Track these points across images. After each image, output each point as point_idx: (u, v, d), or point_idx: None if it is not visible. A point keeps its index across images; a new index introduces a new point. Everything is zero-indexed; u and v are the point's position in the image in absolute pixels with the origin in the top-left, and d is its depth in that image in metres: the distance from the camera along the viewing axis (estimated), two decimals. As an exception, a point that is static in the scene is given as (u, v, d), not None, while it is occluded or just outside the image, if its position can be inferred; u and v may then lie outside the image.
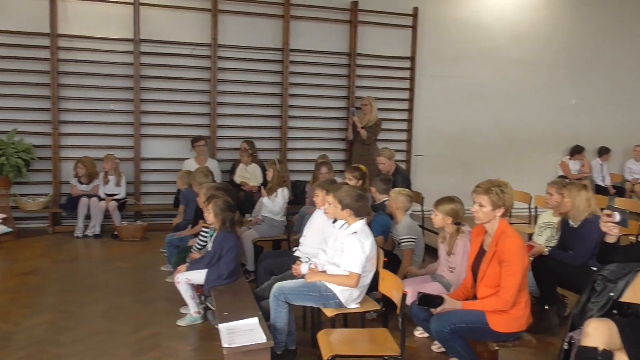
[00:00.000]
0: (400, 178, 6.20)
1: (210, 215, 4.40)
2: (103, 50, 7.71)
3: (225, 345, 3.17)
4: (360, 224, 3.67)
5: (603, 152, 10.09)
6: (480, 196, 3.39)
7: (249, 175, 7.61)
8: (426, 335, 4.21)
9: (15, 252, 6.43)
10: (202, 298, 4.56)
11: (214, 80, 8.06)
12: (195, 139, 7.71)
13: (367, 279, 3.66)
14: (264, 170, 7.75)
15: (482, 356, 3.45)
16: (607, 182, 9.97)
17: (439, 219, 4.01)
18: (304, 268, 4.01)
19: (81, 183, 7.38)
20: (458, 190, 9.17)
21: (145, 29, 7.79)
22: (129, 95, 7.85)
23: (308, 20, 8.45)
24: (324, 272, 3.77)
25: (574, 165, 9.89)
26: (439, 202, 4.05)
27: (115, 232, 7.22)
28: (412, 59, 8.95)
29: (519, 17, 9.58)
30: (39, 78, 7.53)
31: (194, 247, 4.97)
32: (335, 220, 4.12)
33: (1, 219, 6.61)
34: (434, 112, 9.25)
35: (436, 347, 4.06)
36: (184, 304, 4.66)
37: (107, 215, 7.32)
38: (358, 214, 3.67)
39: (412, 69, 8.96)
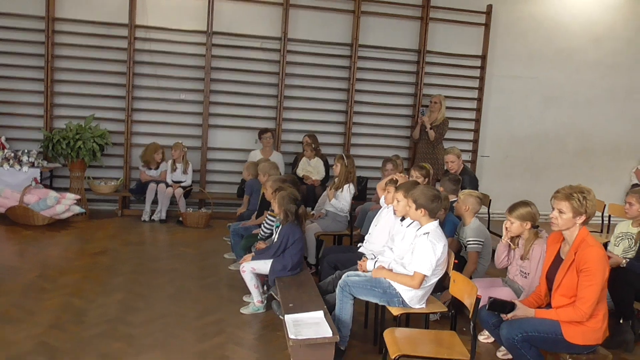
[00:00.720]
0: (468, 179, 6.06)
1: (276, 207, 4.45)
2: (177, 41, 7.93)
3: (291, 336, 3.19)
4: (433, 225, 3.61)
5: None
6: (561, 202, 3.26)
7: (311, 169, 7.66)
8: (490, 340, 4.12)
9: (88, 233, 6.71)
10: (265, 288, 4.63)
11: (282, 74, 8.14)
12: (262, 131, 7.82)
13: (433, 280, 3.61)
14: (326, 164, 7.78)
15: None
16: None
17: (516, 226, 3.89)
18: (369, 265, 4.00)
19: (149, 169, 7.61)
20: (524, 195, 8.99)
21: (218, 22, 7.95)
22: (199, 85, 8.04)
23: (378, 16, 8.39)
24: (391, 270, 3.74)
25: (650, 174, 9.41)
26: (514, 208, 3.93)
27: (180, 219, 7.42)
28: (483, 57, 8.73)
29: (598, 17, 9.18)
30: (117, 67, 7.83)
31: (260, 235, 5.05)
32: (403, 219, 4.08)
33: (75, 199, 6.94)
34: (503, 113, 9.01)
35: (502, 353, 3.96)
36: (246, 292, 4.75)
37: (172, 202, 7.54)
38: (432, 214, 3.62)
39: (482, 68, 8.75)
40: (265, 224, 5.06)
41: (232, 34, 8.03)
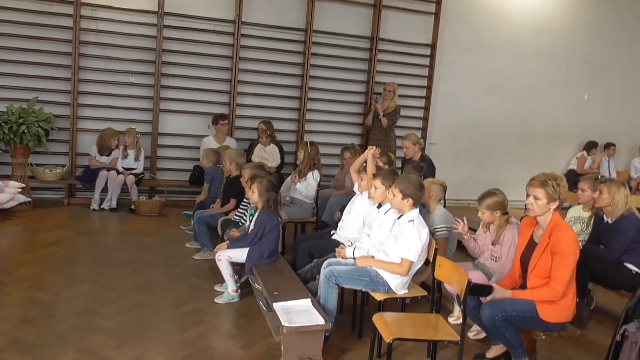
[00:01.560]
0: (427, 166, 6.29)
1: (254, 195, 4.48)
2: (126, 21, 7.67)
3: (285, 324, 3.26)
4: (415, 213, 3.76)
5: (607, 147, 10.28)
6: (536, 189, 3.49)
7: (267, 155, 7.66)
8: (481, 336, 4.20)
9: (36, 222, 6.45)
10: (237, 276, 4.66)
11: (236, 58, 8.06)
12: (218, 117, 7.73)
13: (418, 266, 3.77)
14: (282, 151, 7.82)
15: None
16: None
17: (487, 215, 4.11)
18: (348, 252, 4.11)
19: (101, 155, 7.38)
20: (470, 180, 9.44)
21: (170, 2, 7.75)
22: (149, 68, 7.83)
23: (333, 2, 8.46)
24: (372, 257, 3.87)
25: (589, 161, 10.07)
26: (482, 199, 4.15)
27: (132, 207, 7.25)
28: (433, 46, 9.01)
29: (540, 9, 9.67)
30: (61, 47, 7.48)
31: (241, 223, 5.06)
32: (380, 205, 4.22)
33: (19, 188, 6.63)
34: (451, 101, 9.35)
35: (473, 334, 4.19)
36: (217, 281, 4.77)
37: (123, 189, 7.35)
38: (416, 203, 3.77)
39: (432, 56, 9.03)
40: (237, 213, 5.07)
41: (184, 15, 7.86)
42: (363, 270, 3.79)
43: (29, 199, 6.84)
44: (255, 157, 7.60)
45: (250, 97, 8.31)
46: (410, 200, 3.74)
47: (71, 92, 7.53)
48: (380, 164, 5.38)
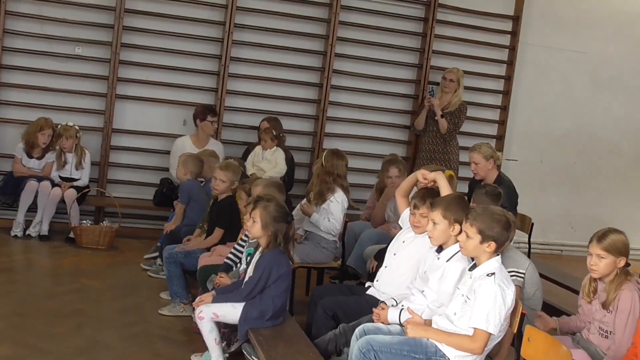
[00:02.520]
0: (506, 192, 6.25)
1: (255, 226, 4.48)
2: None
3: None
4: (497, 262, 3.74)
5: None
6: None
7: (265, 164, 7.62)
8: None
9: None
10: (225, 344, 4.66)
11: (229, 25, 8.17)
12: (207, 111, 7.77)
13: (496, 341, 3.74)
14: (291, 162, 7.85)
15: None
16: None
17: (607, 262, 4.08)
18: (392, 315, 4.09)
19: (30, 157, 7.45)
20: (563, 215, 9.42)
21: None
22: (104, 36, 8.00)
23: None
24: (430, 324, 3.85)
25: None
26: (603, 237, 4.12)
27: (71, 235, 7.32)
28: (515, 19, 9.08)
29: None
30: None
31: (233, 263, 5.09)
32: (440, 249, 4.21)
33: None
34: (538, 100, 9.37)
35: None
36: (194, 349, 4.77)
37: (59, 209, 7.41)
38: (499, 247, 3.75)
39: (514, 34, 9.10)
40: (232, 252, 5.09)
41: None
42: (416, 343, 3.76)
43: None
44: (250, 165, 7.57)
45: (247, 81, 8.41)
46: (493, 244, 3.72)
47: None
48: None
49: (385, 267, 4.70)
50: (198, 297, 4.68)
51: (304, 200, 6.12)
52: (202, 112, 7.80)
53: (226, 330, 4.64)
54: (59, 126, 7.51)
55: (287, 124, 8.21)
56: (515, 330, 3.77)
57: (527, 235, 6.76)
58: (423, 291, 4.19)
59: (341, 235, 6.03)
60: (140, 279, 6.41)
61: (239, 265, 5.08)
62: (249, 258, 4.76)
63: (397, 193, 5.01)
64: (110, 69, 7.96)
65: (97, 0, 7.90)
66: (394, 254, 4.68)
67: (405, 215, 4.82)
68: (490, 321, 3.58)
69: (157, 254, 6.69)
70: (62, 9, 7.80)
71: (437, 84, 8.45)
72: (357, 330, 3.99)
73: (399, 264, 4.61)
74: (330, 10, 8.45)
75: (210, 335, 4.47)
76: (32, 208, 7.33)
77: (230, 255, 5.15)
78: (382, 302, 4.36)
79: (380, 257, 5.12)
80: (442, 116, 8.07)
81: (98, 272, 6.51)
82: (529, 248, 6.75)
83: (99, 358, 4.67)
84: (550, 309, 5.17)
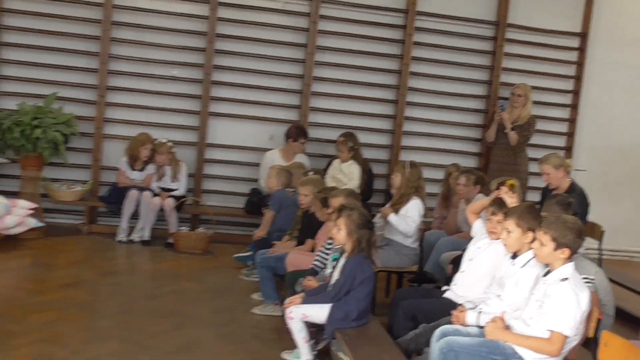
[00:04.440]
0: (578, 200, 6.10)
1: (341, 233, 4.49)
2: (169, -4, 8.01)
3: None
4: (571, 268, 3.67)
5: None
6: None
7: (342, 176, 7.64)
8: None
9: (49, 256, 6.74)
10: (314, 341, 4.67)
11: (312, 47, 8.22)
12: (299, 133, 7.80)
13: (573, 344, 3.65)
14: (369, 173, 7.83)
15: None
16: None
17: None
18: (471, 317, 4.04)
19: (133, 169, 7.64)
20: (630, 225, 9.09)
21: (229, -28, 8.05)
22: (198, 58, 8.12)
23: (442, -26, 8.54)
24: (507, 327, 3.79)
25: None
26: None
27: (170, 240, 7.45)
28: (582, 36, 8.86)
29: None
30: (86, 29, 7.88)
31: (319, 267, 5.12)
32: (515, 256, 4.14)
33: (31, 209, 6.95)
34: (606, 113, 9.11)
35: None
36: (284, 347, 4.79)
37: (159, 217, 7.57)
38: (573, 254, 3.69)
39: (581, 50, 8.89)
40: (319, 257, 5.11)
41: (245, -8, 8.15)
42: (494, 345, 3.71)
43: (42, 224, 7.14)
44: (329, 179, 7.61)
45: (328, 99, 8.44)
46: (567, 251, 3.65)
47: (98, 86, 7.88)
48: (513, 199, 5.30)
49: (462, 272, 4.67)
50: (288, 299, 4.72)
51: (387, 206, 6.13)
52: (295, 134, 7.84)
53: (314, 330, 4.65)
54: (155, 142, 7.69)
55: (366, 138, 8.21)
56: (591, 335, 3.68)
57: (598, 243, 6.56)
58: (499, 295, 4.13)
59: (419, 240, 6.01)
60: (234, 281, 6.49)
61: (324, 269, 5.10)
62: (334, 263, 4.78)
63: (469, 210, 5.04)
64: (203, 88, 8.10)
65: (190, 26, 8.07)
66: (470, 260, 4.65)
67: (476, 226, 4.82)
68: (565, 323, 3.52)
69: (244, 254, 6.77)
70: (160, 35, 8.00)
71: (507, 99, 8.31)
72: (437, 332, 3.97)
73: (475, 269, 4.57)
74: (405, 32, 8.42)
75: (299, 334, 4.51)
76: (135, 216, 7.51)
77: (317, 261, 5.17)
78: (461, 305, 4.33)
79: (456, 262, 5.07)
80: (511, 129, 7.94)
81: (195, 275, 6.62)
82: (600, 255, 6.55)
83: (197, 355, 4.73)
84: (624, 315, 5.03)
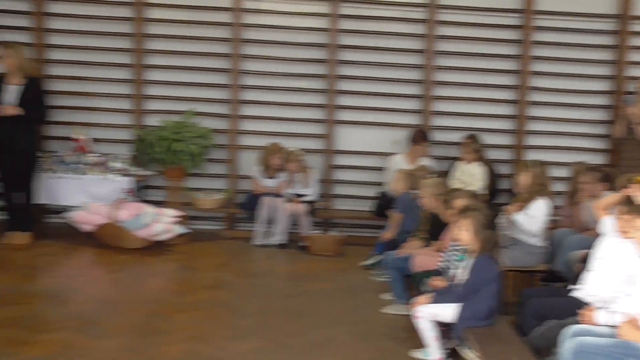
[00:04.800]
0: None
1: (466, 234, 4.44)
2: (293, 12, 8.18)
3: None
4: None
5: None
6: None
7: (467, 178, 7.56)
8: None
9: (193, 259, 7.05)
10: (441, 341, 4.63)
11: (430, 52, 8.17)
12: (420, 137, 7.80)
13: None
14: (493, 174, 7.69)
15: None
16: None
17: None
18: (602, 317, 3.89)
19: (266, 177, 7.85)
20: None
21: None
22: (322, 69, 8.26)
23: (562, -29, 8.26)
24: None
25: None
26: None
27: (304, 243, 7.60)
28: None
29: None
30: (219, 47, 8.19)
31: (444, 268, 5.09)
32: (646, 253, 3.95)
33: (176, 217, 7.28)
34: None
35: None
36: (413, 345, 4.78)
37: (293, 221, 7.72)
38: None
39: None
40: (444, 255, 5.08)
41: (365, 2, 8.20)
42: (629, 346, 3.54)
43: (187, 231, 7.47)
44: (453, 180, 7.55)
45: (449, 102, 8.34)
46: None
47: (231, 101, 8.16)
48: None
49: (591, 270, 4.48)
50: (416, 298, 4.71)
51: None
52: (418, 138, 7.83)
53: (443, 329, 4.62)
54: (286, 150, 7.87)
55: (488, 139, 8.06)
56: None
57: None
58: (630, 295, 3.95)
59: (549, 239, 5.85)
60: (364, 282, 6.53)
61: (449, 269, 5.05)
62: (460, 263, 4.73)
63: (596, 207, 4.88)
64: (328, 98, 8.21)
65: (313, 39, 8.24)
66: (600, 258, 4.45)
67: (605, 223, 4.63)
68: None
69: (372, 261, 6.85)
70: (285, 49, 8.20)
71: (633, 93, 7.91)
72: (567, 331, 3.83)
73: (604, 268, 4.37)
74: (523, 31, 8.21)
75: (428, 333, 4.50)
76: (270, 221, 7.71)
77: (442, 261, 5.13)
78: (589, 304, 4.17)
79: (585, 261, 4.89)
80: (639, 123, 7.55)
81: (327, 275, 6.72)
82: None
83: (331, 352, 4.80)
84: None
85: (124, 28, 8.07)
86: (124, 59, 8.12)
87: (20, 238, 7.06)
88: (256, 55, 8.22)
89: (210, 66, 8.21)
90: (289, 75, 8.23)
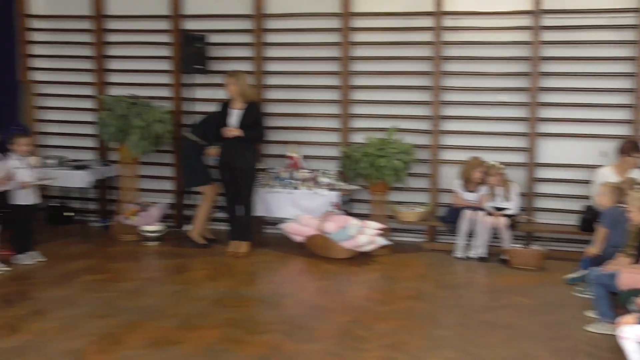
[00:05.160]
0: None
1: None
2: (492, 27, 7.94)
3: None
4: None
5: None
6: None
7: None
8: None
9: (394, 270, 7.07)
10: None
11: (641, 59, 7.53)
12: (631, 147, 7.22)
13: None
14: None
15: None
16: None
17: None
18: None
19: (467, 191, 7.68)
20: None
21: (548, -4, 7.75)
22: (523, 83, 7.93)
23: None
24: None
25: None
26: None
27: (504, 257, 7.31)
28: None
29: None
30: (420, 66, 8.16)
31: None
32: None
33: (379, 229, 7.36)
34: None
35: None
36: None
37: (493, 234, 7.48)
38: None
39: None
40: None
41: (566, 12, 7.73)
42: None
43: (389, 242, 7.52)
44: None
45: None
46: None
47: (432, 117, 8.10)
48: None
49: None
50: (623, 318, 4.33)
51: None
52: (628, 149, 7.24)
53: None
54: (487, 164, 7.65)
55: None
56: None
57: None
58: None
59: None
60: (567, 297, 6.16)
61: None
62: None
63: None
64: (530, 111, 7.87)
65: (514, 53, 7.94)
66: None
67: None
68: None
69: (576, 276, 6.43)
70: (486, 64, 7.99)
71: None
72: None
73: None
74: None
75: (635, 356, 4.12)
76: (471, 234, 7.53)
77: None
78: None
79: None
80: None
81: (527, 290, 6.42)
82: None
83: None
84: None
85: (332, 52, 8.32)
86: (332, 81, 8.37)
87: (241, 247, 7.53)
88: (456, 72, 8.08)
89: (411, 84, 8.21)
90: (488, 89, 8.01)
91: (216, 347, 4.87)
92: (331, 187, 7.86)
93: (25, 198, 6.95)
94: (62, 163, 8.32)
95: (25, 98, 9.03)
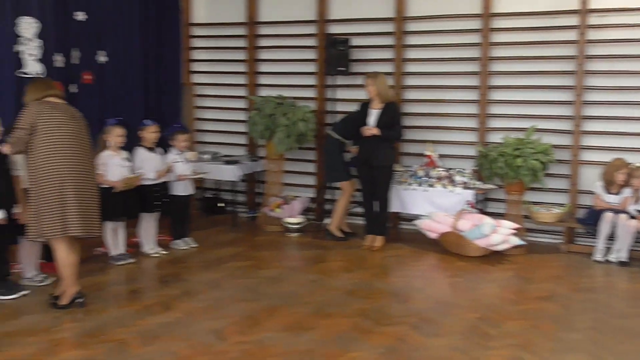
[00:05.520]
0: None
1: None
2: (638, 24, 7.37)
3: None
4: None
5: None
6: None
7: None
8: None
9: (528, 270, 6.77)
10: None
11: None
12: None
13: None
14: None
15: None
16: None
17: None
18: None
19: (609, 193, 7.21)
20: None
21: None
22: (673, 81, 7.31)
23: None
24: None
25: None
26: None
27: (647, 262, 6.81)
28: None
29: None
30: (561, 65, 7.74)
31: None
32: None
33: (514, 229, 7.09)
34: None
35: None
36: None
37: (637, 238, 7.00)
38: None
39: None
40: None
41: None
42: None
43: (524, 242, 7.22)
44: None
45: None
46: None
47: (574, 117, 7.67)
48: None
49: None
50: None
51: None
52: None
53: None
54: (631, 166, 7.15)
55: None
56: None
57: None
58: None
59: None
60: None
61: None
62: None
63: None
64: (682, 111, 7.26)
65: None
66: None
67: None
68: None
69: None
70: (633, 62, 7.42)
71: None
72: None
73: None
74: None
75: None
76: (611, 237, 7.07)
77: None
78: None
79: None
80: None
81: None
82: None
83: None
84: None
85: (471, 53, 8.10)
86: (471, 81, 8.14)
87: (377, 241, 7.55)
88: (601, 71, 7.58)
89: (552, 84, 7.81)
90: (635, 89, 7.44)
91: (346, 335, 4.92)
92: (466, 186, 7.66)
93: (183, 189, 7.40)
94: (216, 158, 8.73)
95: (186, 99, 9.55)
